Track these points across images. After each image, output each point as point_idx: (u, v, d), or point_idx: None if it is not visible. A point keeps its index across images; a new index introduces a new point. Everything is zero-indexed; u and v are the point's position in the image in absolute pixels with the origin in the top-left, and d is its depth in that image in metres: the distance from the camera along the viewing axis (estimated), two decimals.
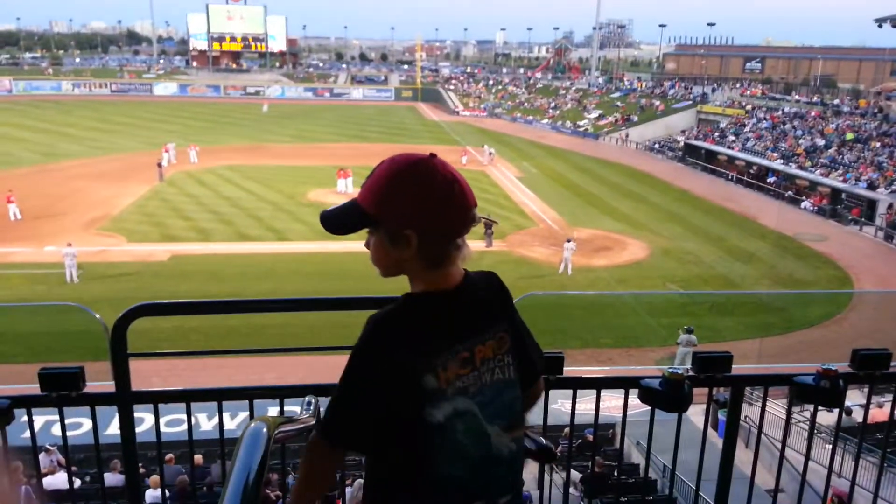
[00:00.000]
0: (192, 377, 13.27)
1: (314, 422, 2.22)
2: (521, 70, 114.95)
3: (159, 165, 39.87)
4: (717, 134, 54.28)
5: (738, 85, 69.08)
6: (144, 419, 2.91)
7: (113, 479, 8.44)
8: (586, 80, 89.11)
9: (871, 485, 3.18)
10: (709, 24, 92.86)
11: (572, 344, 18.08)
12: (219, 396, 2.75)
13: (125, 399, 2.63)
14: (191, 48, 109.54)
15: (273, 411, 2.67)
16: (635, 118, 66.29)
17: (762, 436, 3.30)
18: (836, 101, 52.79)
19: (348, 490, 7.50)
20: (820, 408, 3.01)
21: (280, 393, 2.72)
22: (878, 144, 41.93)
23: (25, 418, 2.63)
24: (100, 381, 2.82)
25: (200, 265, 25.16)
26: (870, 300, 23.75)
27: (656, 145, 59.26)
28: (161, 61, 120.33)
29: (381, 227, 1.66)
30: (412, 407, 1.63)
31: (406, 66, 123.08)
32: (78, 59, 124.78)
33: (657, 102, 68.18)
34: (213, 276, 23.88)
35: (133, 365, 2.60)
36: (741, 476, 3.06)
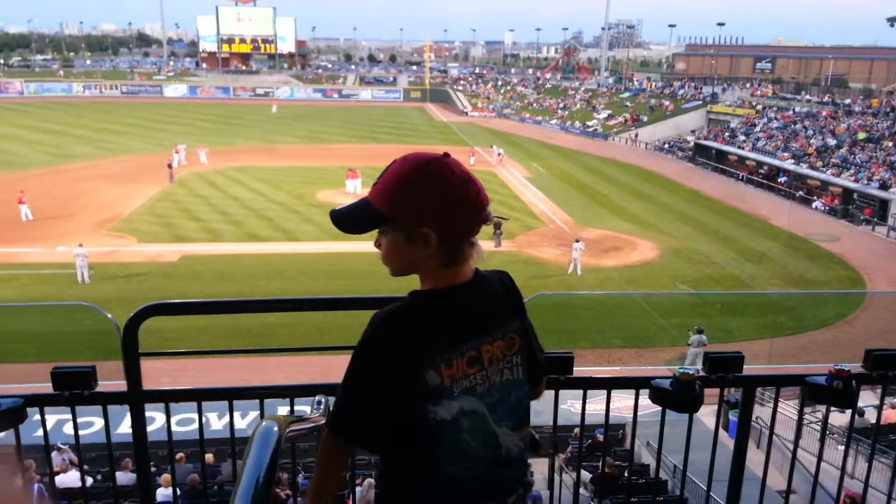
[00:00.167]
0: (203, 377, 13.31)
1: (324, 421, 2.23)
2: (530, 70, 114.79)
3: (169, 166, 40.06)
4: (727, 134, 54.03)
5: (748, 85, 68.74)
6: (155, 418, 2.93)
7: (124, 477, 8.49)
8: (595, 81, 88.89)
9: (885, 486, 3.16)
10: (719, 24, 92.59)
11: (582, 344, 18.05)
12: (229, 396, 2.76)
13: (136, 398, 2.65)
14: (200, 50, 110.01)
15: (283, 411, 2.68)
16: (645, 118, 66.07)
17: (774, 437, 3.28)
18: (848, 101, 52.42)
19: (358, 489, 7.51)
20: (832, 409, 2.99)
21: (290, 392, 2.73)
22: (890, 144, 41.62)
23: (38, 417, 2.64)
24: (111, 380, 2.83)
25: (210, 265, 25.27)
26: (882, 300, 23.57)
27: (666, 145, 59.05)
28: (171, 63, 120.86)
29: (397, 226, 1.66)
30: (414, 404, 1.63)
31: (415, 67, 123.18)
32: (89, 61, 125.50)
33: (667, 102, 67.93)
34: (223, 276, 23.98)
35: (144, 364, 2.61)
36: (753, 477, 3.04)
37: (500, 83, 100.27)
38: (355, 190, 35.54)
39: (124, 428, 2.73)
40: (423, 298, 1.70)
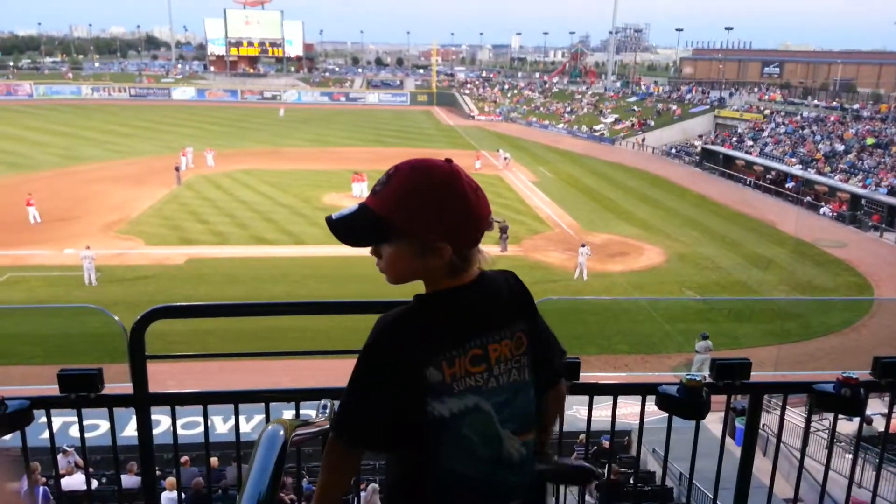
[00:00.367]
0: (209, 380, 13.34)
1: (329, 425, 2.22)
2: (537, 74, 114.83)
3: (177, 169, 40.19)
4: (734, 139, 53.89)
5: (756, 89, 68.59)
6: (161, 421, 2.93)
7: (129, 480, 8.49)
8: (602, 85, 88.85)
9: (893, 495, 3.13)
10: (726, 29, 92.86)
11: (588, 350, 17.99)
12: (235, 399, 2.76)
13: (143, 401, 2.65)
14: (208, 53, 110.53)
15: (289, 414, 2.67)
16: (652, 123, 65.98)
17: (781, 444, 3.26)
18: (856, 106, 52.24)
19: (362, 494, 7.51)
20: (840, 417, 2.97)
21: (296, 396, 2.73)
22: None
23: (44, 419, 2.65)
24: (118, 382, 2.84)
25: (217, 268, 25.33)
26: (890, 307, 23.44)
27: (673, 150, 58.96)
28: (179, 66, 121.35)
29: (408, 239, 1.63)
30: (416, 402, 1.62)
31: (422, 71, 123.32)
32: (97, 64, 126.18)
33: (674, 107, 67.83)
34: (230, 279, 24.04)
35: (150, 367, 2.62)
36: (759, 485, 3.03)
37: (506, 87, 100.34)
38: (361, 193, 35.55)
39: (130, 431, 2.73)
40: (428, 301, 1.69)
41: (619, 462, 12.09)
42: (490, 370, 1.69)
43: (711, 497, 3.24)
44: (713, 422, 3.13)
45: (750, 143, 51.71)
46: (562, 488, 3.26)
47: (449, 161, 1.67)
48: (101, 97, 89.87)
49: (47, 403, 2.61)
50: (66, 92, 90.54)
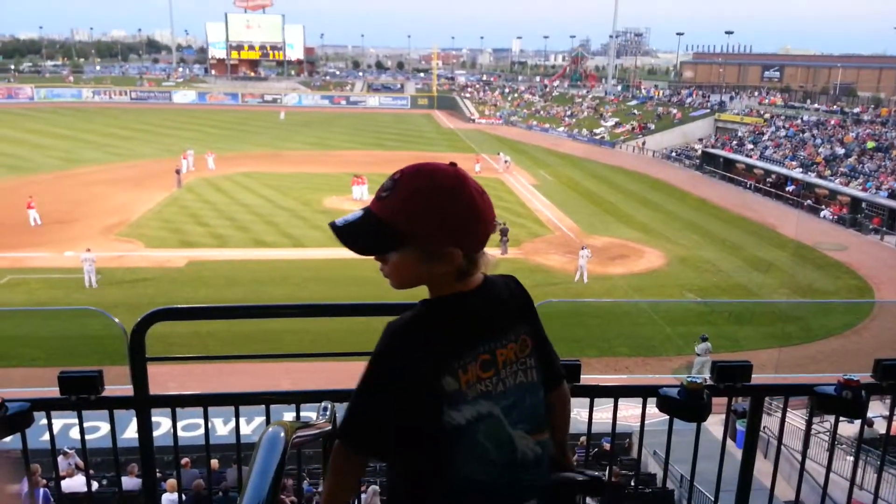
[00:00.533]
0: (209, 382, 13.34)
1: (330, 427, 2.22)
2: (538, 78, 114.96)
3: (177, 172, 40.23)
4: (735, 142, 53.93)
5: (756, 93, 68.65)
6: (161, 423, 2.92)
7: (130, 482, 8.49)
8: (603, 88, 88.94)
9: (895, 498, 3.13)
10: (727, 33, 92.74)
11: (588, 352, 17.99)
12: (235, 401, 2.76)
13: (143, 403, 2.65)
14: (209, 56, 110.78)
15: (289, 416, 2.67)
16: (652, 126, 66.03)
17: (782, 447, 3.26)
18: (857, 110, 52.27)
19: (363, 496, 7.49)
20: (841, 419, 2.96)
21: (296, 398, 2.73)
22: None
23: (45, 421, 2.65)
24: (118, 384, 2.84)
25: (217, 271, 25.34)
26: (891, 310, 23.43)
27: (673, 154, 58.99)
28: (180, 69, 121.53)
29: (415, 245, 1.61)
30: (432, 410, 1.62)
31: (422, 74, 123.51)
32: (98, 67, 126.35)
33: (674, 111, 67.89)
34: (230, 281, 24.04)
35: (150, 369, 2.62)
36: (760, 487, 3.02)
37: (507, 90, 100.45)
38: (361, 196, 35.61)
39: (130, 433, 2.73)
40: (435, 306, 1.68)
41: (620, 464, 12.08)
42: (498, 374, 1.70)
43: (712, 499, 3.23)
44: (714, 424, 3.13)
45: (750, 146, 51.75)
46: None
47: (454, 165, 1.65)
48: (101, 100, 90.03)
49: (48, 405, 2.61)
50: (67, 95, 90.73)
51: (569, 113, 78.98)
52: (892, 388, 2.81)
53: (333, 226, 1.64)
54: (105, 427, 2.69)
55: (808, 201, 40.97)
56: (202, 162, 45.27)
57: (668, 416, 2.64)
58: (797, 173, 44.09)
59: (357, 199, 35.46)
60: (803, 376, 16.21)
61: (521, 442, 1.72)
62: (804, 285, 26.46)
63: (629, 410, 2.98)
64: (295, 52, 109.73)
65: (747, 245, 31.41)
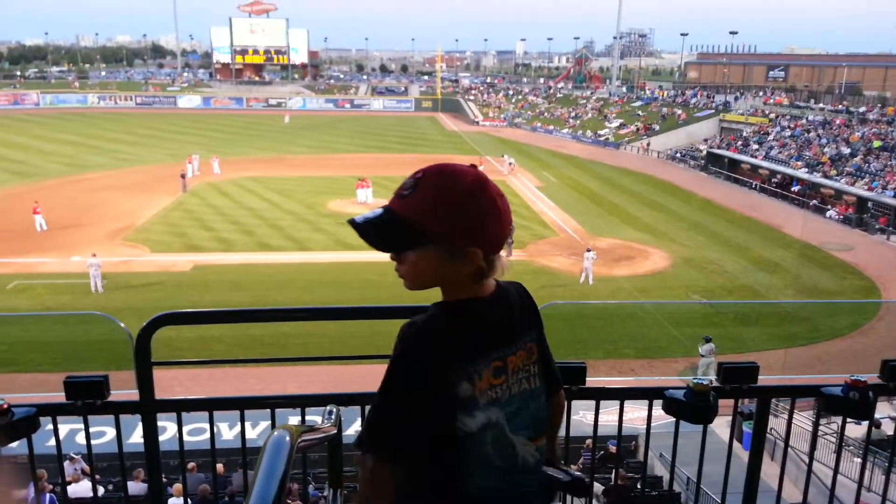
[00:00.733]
0: (215, 386, 13.36)
1: (335, 431, 2.22)
2: (542, 80, 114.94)
3: (183, 177, 40.35)
4: (740, 142, 53.80)
5: (761, 93, 68.49)
6: (167, 428, 2.93)
7: (136, 487, 8.50)
8: (607, 90, 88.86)
9: None
10: (731, 33, 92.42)
11: (594, 354, 17.96)
12: (241, 405, 2.76)
13: (149, 408, 2.65)
14: (214, 61, 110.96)
15: (294, 420, 2.67)
16: (657, 127, 65.93)
17: (789, 448, 3.24)
18: (862, 109, 52.09)
19: None
20: (848, 420, 2.95)
21: (301, 402, 2.73)
22: None
23: (51, 426, 2.65)
24: (124, 389, 2.84)
25: (222, 275, 25.38)
26: None
27: (678, 154, 58.88)
28: (185, 74, 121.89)
29: (437, 244, 1.60)
30: (447, 416, 1.61)
31: (426, 77, 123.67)
32: (104, 73, 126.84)
33: (679, 111, 67.76)
34: (235, 285, 24.08)
35: (156, 374, 2.62)
36: (767, 490, 3.01)
37: (511, 92, 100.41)
38: (366, 199, 35.64)
39: (136, 437, 2.73)
40: (453, 310, 1.67)
41: (627, 467, 12.05)
42: (507, 381, 1.70)
43: (719, 502, 3.22)
44: (720, 426, 3.12)
45: (755, 146, 51.62)
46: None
47: (474, 166, 1.66)
48: (107, 106, 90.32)
49: (54, 410, 2.62)
50: (72, 101, 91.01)
51: (573, 114, 78.91)
52: None
53: (353, 222, 1.64)
54: (111, 432, 2.69)
55: (814, 201, 40.84)
56: (207, 166, 45.37)
57: (674, 419, 2.63)
58: (802, 173, 43.96)
59: (362, 203, 35.48)
60: (810, 377, 16.13)
61: (522, 448, 1.72)
62: (810, 286, 26.36)
63: (635, 413, 2.97)
64: (299, 56, 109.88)
65: (753, 246, 31.31)
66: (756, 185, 46.68)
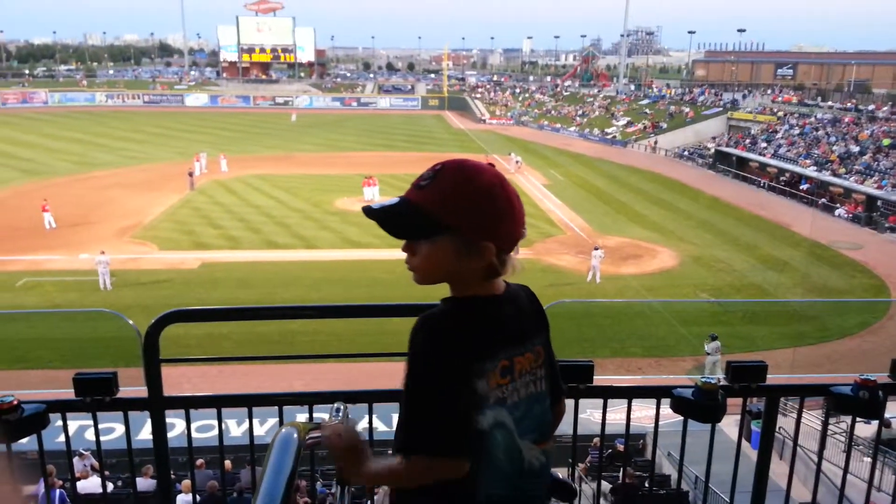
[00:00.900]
0: (223, 383, 13.39)
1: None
2: (548, 78, 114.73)
3: (190, 175, 40.48)
4: (748, 140, 53.58)
5: (769, 91, 68.19)
6: (175, 424, 2.94)
7: (144, 483, 8.55)
8: (614, 88, 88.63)
9: None
10: (739, 31, 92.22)
11: (601, 353, 17.93)
12: (249, 402, 2.77)
13: (157, 404, 2.66)
14: (221, 60, 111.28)
15: (302, 418, 2.68)
16: (664, 125, 65.73)
17: (798, 448, 3.23)
18: (872, 107, 51.77)
19: (376, 497, 7.48)
20: (858, 419, 2.93)
21: (309, 399, 2.73)
22: None
23: (60, 423, 2.66)
24: (133, 386, 2.85)
25: (230, 272, 25.46)
26: None
27: (686, 152, 58.68)
28: (192, 73, 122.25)
29: (453, 236, 1.60)
30: (465, 413, 1.60)
31: (433, 75, 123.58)
32: (111, 71, 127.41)
33: (686, 109, 67.54)
34: (243, 283, 24.14)
35: (165, 370, 2.63)
36: (776, 489, 2.99)
37: (518, 91, 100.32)
38: (373, 197, 35.67)
39: (145, 434, 2.74)
40: (465, 306, 1.66)
41: (634, 465, 12.03)
42: (513, 382, 1.69)
43: (728, 501, 3.21)
44: (729, 425, 3.11)
45: (764, 144, 51.39)
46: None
47: (492, 165, 1.67)
48: (115, 104, 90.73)
49: (63, 407, 2.63)
50: (80, 99, 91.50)
51: (580, 112, 78.77)
52: None
53: (369, 209, 1.64)
54: (120, 428, 2.71)
55: (823, 199, 40.64)
56: (215, 164, 45.51)
57: (681, 417, 2.63)
58: (811, 171, 43.74)
59: (368, 201, 35.49)
60: (819, 376, 16.07)
61: (528, 452, 1.72)
62: (819, 284, 26.24)
63: (643, 411, 2.96)
64: (306, 55, 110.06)
65: (761, 244, 31.19)
66: (764, 183, 46.49)
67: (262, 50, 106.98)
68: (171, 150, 53.70)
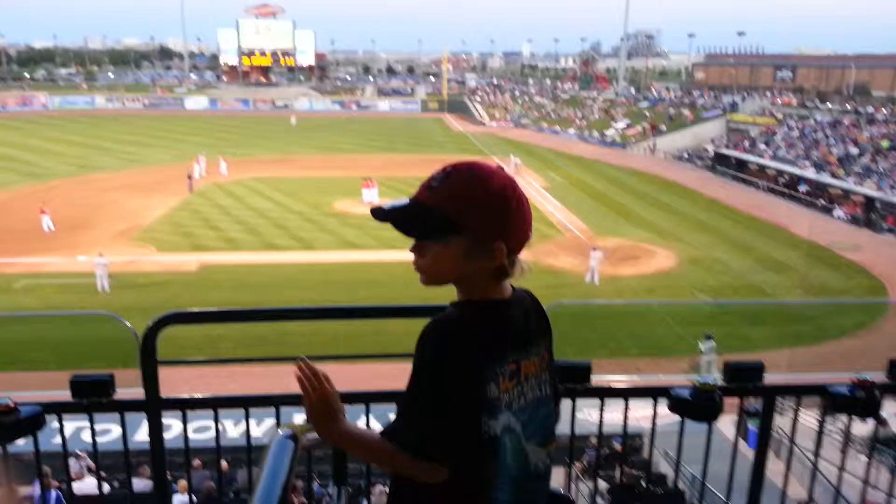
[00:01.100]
0: (220, 384, 13.38)
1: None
2: (548, 81, 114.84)
3: (190, 177, 40.47)
4: (747, 143, 53.64)
5: (768, 94, 68.26)
6: (172, 425, 2.94)
7: (141, 484, 8.52)
8: (614, 90, 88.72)
9: None
10: (738, 34, 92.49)
11: (599, 353, 17.91)
12: (245, 403, 2.78)
13: (154, 406, 2.67)
14: (221, 63, 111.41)
15: (299, 418, 2.68)
16: (664, 128, 65.76)
17: (794, 447, 3.24)
18: (871, 109, 51.84)
19: (372, 499, 7.47)
20: (854, 418, 2.94)
21: None
22: None
23: (57, 424, 2.67)
24: (130, 387, 2.85)
25: (228, 274, 25.43)
26: None
27: (685, 155, 58.72)
28: (192, 76, 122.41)
29: (464, 236, 1.60)
30: (475, 418, 1.59)
31: (433, 79, 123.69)
32: (112, 75, 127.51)
33: (686, 112, 67.60)
34: (241, 285, 24.12)
35: (162, 372, 2.63)
36: (773, 488, 3.00)
37: (517, 93, 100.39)
38: (372, 200, 35.64)
39: (142, 435, 2.74)
40: (476, 309, 1.66)
41: (631, 464, 12.02)
42: (520, 387, 1.69)
43: (724, 500, 3.21)
44: (726, 424, 3.12)
45: (763, 146, 51.44)
46: (573, 491, 3.25)
47: (501, 168, 1.67)
48: (115, 107, 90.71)
49: (60, 409, 2.63)
50: (80, 103, 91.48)
51: (579, 115, 78.82)
52: None
53: (380, 209, 1.63)
54: (117, 429, 2.71)
55: (822, 201, 40.67)
56: (214, 167, 45.49)
57: (678, 417, 2.63)
58: (810, 173, 43.78)
59: (368, 203, 35.48)
60: (816, 376, 16.07)
61: (534, 455, 1.72)
62: (817, 285, 26.25)
63: (639, 411, 2.96)
64: (306, 58, 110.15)
65: (760, 245, 31.20)
66: (763, 185, 46.53)
67: (263, 53, 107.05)
68: (171, 153, 53.70)
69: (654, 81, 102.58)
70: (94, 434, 2.73)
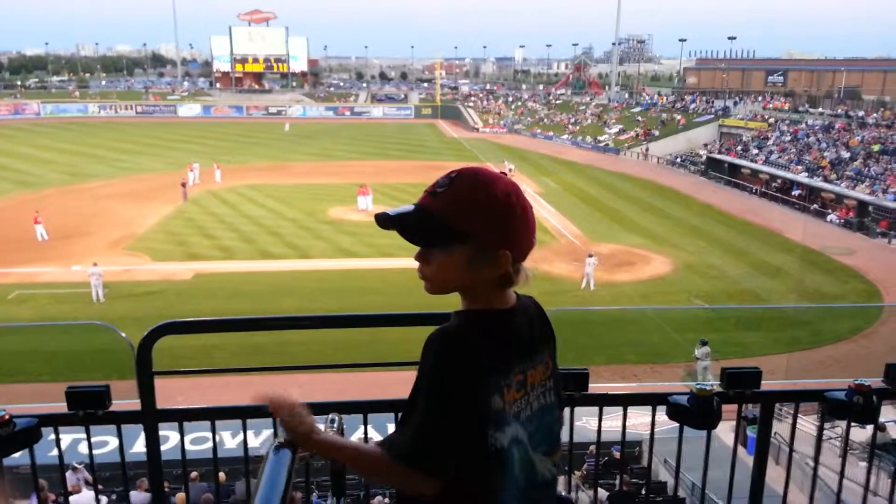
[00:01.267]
0: (217, 395, 13.32)
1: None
2: (541, 86, 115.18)
3: (183, 185, 40.37)
4: (739, 147, 53.85)
5: (760, 98, 68.60)
6: (169, 437, 2.92)
7: (138, 497, 8.47)
8: (606, 96, 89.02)
9: None
10: (730, 38, 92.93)
11: (596, 360, 17.91)
12: (243, 414, 2.75)
13: (151, 417, 2.65)
14: (214, 70, 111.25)
15: None
16: (656, 133, 66.00)
17: (793, 453, 3.23)
18: (861, 113, 52.13)
19: None
20: (853, 424, 2.94)
21: None
22: None
23: (53, 437, 2.65)
24: (126, 398, 2.84)
25: (224, 283, 25.36)
26: None
27: (678, 159, 58.91)
28: (185, 83, 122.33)
29: (470, 244, 1.59)
30: (480, 430, 1.57)
31: (426, 84, 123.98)
32: (104, 82, 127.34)
33: (678, 117, 67.85)
34: (237, 294, 24.06)
35: (158, 382, 2.61)
36: (773, 494, 2.99)
37: (510, 99, 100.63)
38: (367, 206, 35.65)
39: (138, 447, 2.72)
40: (481, 319, 1.64)
41: (631, 473, 12.01)
42: (527, 396, 1.68)
43: None
44: (724, 431, 3.11)
45: (755, 151, 51.66)
46: (573, 498, 3.24)
47: (504, 174, 1.67)
48: (107, 115, 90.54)
49: (56, 421, 2.61)
50: (73, 110, 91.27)
51: (572, 121, 79.03)
52: None
53: (385, 215, 1.62)
54: (113, 441, 2.69)
55: (815, 205, 40.83)
56: (208, 175, 45.39)
57: (677, 424, 2.63)
58: (803, 177, 43.98)
59: (362, 210, 35.50)
60: (814, 382, 16.10)
61: (541, 464, 1.71)
62: (812, 290, 26.32)
63: (638, 418, 2.96)
64: (299, 65, 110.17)
65: (754, 250, 31.29)
66: (756, 189, 46.70)
67: (255, 60, 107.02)
68: (164, 161, 53.56)
69: (646, 86, 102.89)
70: (90, 446, 2.70)
